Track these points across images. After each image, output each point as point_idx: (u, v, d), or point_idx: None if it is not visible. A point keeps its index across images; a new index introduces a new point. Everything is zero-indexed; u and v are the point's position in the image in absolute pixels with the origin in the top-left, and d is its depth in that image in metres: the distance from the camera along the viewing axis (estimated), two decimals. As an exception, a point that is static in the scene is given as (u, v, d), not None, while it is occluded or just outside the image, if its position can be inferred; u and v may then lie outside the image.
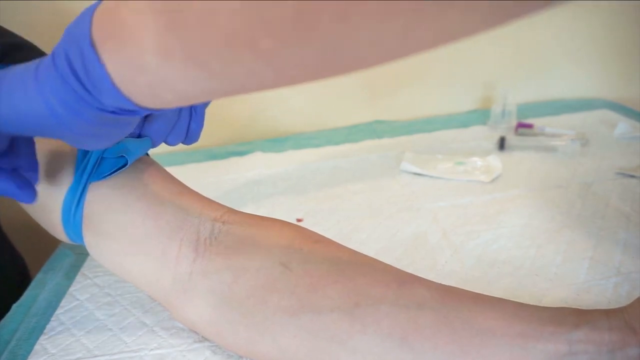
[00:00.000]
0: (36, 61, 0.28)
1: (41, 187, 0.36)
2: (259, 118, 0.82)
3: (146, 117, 0.35)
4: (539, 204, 0.55)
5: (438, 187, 0.60)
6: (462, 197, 0.57)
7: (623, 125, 0.71)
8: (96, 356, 0.37)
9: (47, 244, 0.53)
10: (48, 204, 0.37)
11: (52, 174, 0.36)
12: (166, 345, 0.38)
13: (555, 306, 0.31)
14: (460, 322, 0.29)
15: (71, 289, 0.45)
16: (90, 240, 0.36)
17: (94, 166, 0.36)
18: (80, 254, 0.51)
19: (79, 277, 0.47)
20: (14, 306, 0.44)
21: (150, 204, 0.36)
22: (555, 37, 0.85)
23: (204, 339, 0.38)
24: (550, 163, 0.64)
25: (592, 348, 0.27)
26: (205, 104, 0.38)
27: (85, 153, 0.36)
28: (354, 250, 0.35)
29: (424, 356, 0.29)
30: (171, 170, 0.40)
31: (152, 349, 0.38)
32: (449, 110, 0.86)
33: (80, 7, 0.26)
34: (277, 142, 0.78)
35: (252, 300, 0.33)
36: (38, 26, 0.45)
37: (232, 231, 0.35)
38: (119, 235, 0.35)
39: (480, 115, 0.81)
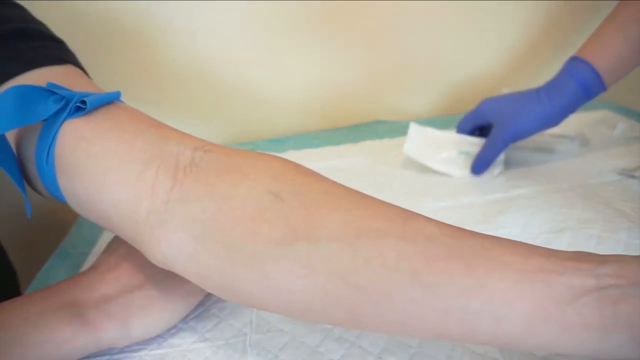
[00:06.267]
0: None
1: (17, 134, 0.35)
2: (259, 118, 0.82)
3: None
4: (539, 204, 0.55)
5: (438, 187, 0.60)
6: (462, 197, 0.57)
7: (623, 125, 0.71)
8: (96, 356, 0.37)
9: (47, 244, 0.53)
10: (23, 151, 0.35)
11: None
12: (166, 345, 0.38)
13: None
14: (475, 255, 0.26)
15: (71, 288, 0.45)
16: (65, 184, 0.34)
17: (71, 109, 0.33)
18: (81, 254, 0.51)
19: (79, 277, 0.47)
20: (14, 306, 0.44)
21: (124, 132, 0.33)
22: (555, 37, 0.85)
23: (205, 338, 0.38)
24: (550, 163, 0.64)
25: (624, 282, 0.24)
26: None
27: (62, 98, 0.33)
28: (351, 188, 0.32)
29: (437, 291, 0.26)
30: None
31: (152, 349, 0.38)
32: (449, 110, 0.86)
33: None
34: (277, 142, 0.78)
35: (238, 231, 0.29)
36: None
37: (215, 159, 0.32)
38: (92, 166, 0.32)
39: (481, 116, 0.81)
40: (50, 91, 0.33)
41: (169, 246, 0.31)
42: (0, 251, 0.59)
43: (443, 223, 0.29)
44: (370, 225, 0.28)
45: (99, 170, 0.32)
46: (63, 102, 0.33)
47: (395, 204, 0.28)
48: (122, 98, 0.37)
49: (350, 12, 0.77)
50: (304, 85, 0.82)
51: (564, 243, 0.47)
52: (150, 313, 0.36)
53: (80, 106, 0.33)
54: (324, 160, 0.70)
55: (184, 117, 0.80)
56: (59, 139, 0.33)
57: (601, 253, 0.45)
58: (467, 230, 0.28)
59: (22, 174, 0.36)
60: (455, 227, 0.29)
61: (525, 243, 0.27)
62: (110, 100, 0.35)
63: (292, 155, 0.72)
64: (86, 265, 0.49)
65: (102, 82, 0.44)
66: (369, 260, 0.27)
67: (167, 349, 0.38)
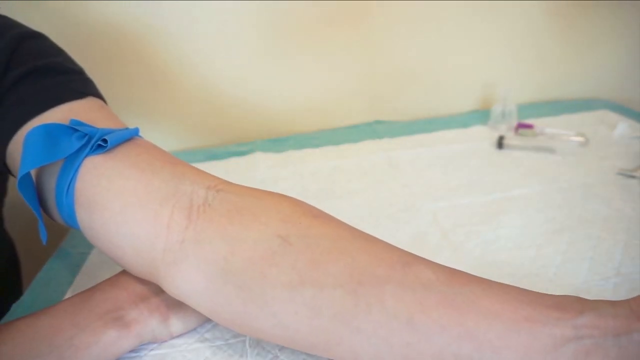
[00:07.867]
0: None
1: (38, 167, 0.35)
2: (259, 118, 0.82)
3: None
4: (539, 204, 0.55)
5: (438, 187, 0.60)
6: (462, 197, 0.57)
7: (623, 125, 0.71)
8: (96, 356, 0.37)
9: (47, 244, 0.52)
10: (43, 182, 0.37)
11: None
12: (166, 345, 0.38)
13: None
14: (467, 305, 0.28)
15: (72, 288, 0.45)
16: (83, 217, 0.35)
17: (93, 146, 0.35)
18: (81, 254, 0.51)
19: (79, 277, 0.47)
20: (14, 306, 0.44)
21: (142, 171, 0.35)
22: (555, 37, 0.85)
23: (205, 339, 0.38)
24: (550, 163, 0.64)
25: (597, 332, 0.26)
26: None
27: (84, 135, 0.35)
28: (354, 227, 0.34)
29: (431, 337, 0.28)
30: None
31: (152, 349, 0.38)
32: (449, 110, 0.86)
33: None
34: (277, 142, 0.78)
35: (249, 273, 0.31)
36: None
37: (226, 199, 0.34)
38: (110, 202, 0.34)
39: (481, 116, 0.81)
40: (73, 128, 0.35)
41: (183, 283, 0.33)
42: (9, 244, 0.60)
43: (440, 267, 0.31)
44: (372, 272, 0.30)
45: (117, 207, 0.34)
46: (85, 139, 0.35)
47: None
48: (121, 100, 0.37)
49: (350, 14, 0.77)
50: (304, 85, 0.82)
51: (563, 243, 0.47)
52: (185, 308, 0.37)
53: (101, 144, 0.35)
54: (324, 160, 0.70)
55: (186, 117, 0.80)
56: (80, 175, 0.35)
57: (600, 254, 0.45)
58: (461, 274, 0.31)
59: (40, 204, 0.37)
60: (450, 271, 0.31)
61: (514, 288, 0.30)
62: (130, 137, 0.37)
63: (292, 155, 0.73)
64: (86, 265, 0.49)
65: (103, 84, 0.44)
66: (369, 306, 0.29)
67: (167, 349, 0.38)
